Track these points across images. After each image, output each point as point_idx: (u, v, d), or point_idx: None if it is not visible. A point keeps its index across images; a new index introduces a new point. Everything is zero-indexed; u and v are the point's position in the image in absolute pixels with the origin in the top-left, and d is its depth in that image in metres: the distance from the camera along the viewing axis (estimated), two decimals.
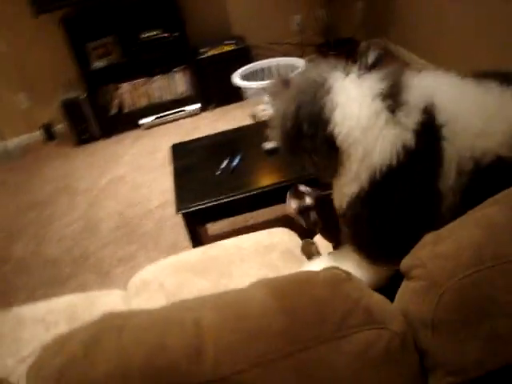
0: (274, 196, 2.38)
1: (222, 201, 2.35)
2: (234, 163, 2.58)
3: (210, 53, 4.42)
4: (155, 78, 4.45)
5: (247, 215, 3.08)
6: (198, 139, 2.97)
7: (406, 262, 1.03)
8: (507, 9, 3.21)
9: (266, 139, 2.67)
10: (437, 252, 0.97)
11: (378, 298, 0.91)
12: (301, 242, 2.03)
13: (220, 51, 4.43)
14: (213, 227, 3.09)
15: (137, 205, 3.50)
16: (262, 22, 4.75)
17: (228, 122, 4.29)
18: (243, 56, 4.42)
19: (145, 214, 3.38)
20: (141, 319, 0.91)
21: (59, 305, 1.98)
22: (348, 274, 0.92)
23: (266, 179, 2.45)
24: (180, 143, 2.95)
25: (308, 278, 0.92)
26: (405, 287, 1.00)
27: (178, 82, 4.49)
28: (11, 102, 4.72)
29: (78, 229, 3.42)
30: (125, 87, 4.44)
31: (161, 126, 4.51)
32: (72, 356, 0.86)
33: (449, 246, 0.96)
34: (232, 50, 4.42)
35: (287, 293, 0.90)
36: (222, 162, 2.61)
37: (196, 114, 4.54)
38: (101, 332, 0.90)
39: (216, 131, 3.54)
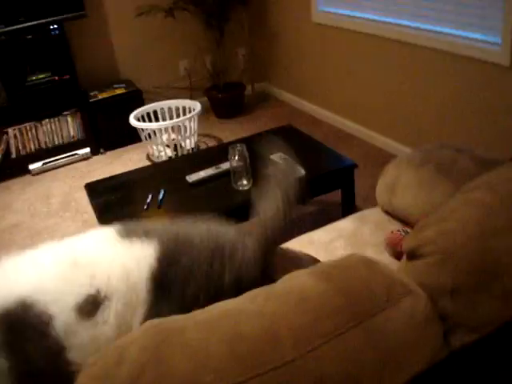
0: None
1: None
2: (160, 197, 2.58)
3: (101, 96, 4.37)
4: (44, 121, 4.29)
5: None
6: (113, 177, 2.92)
7: (410, 244, 1.12)
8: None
9: (189, 172, 2.71)
10: (443, 230, 1.08)
11: (399, 273, 1.01)
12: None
13: (111, 94, 4.39)
14: None
15: None
16: (149, 66, 4.80)
17: (123, 164, 4.25)
18: (135, 99, 4.43)
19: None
20: (199, 319, 0.91)
21: None
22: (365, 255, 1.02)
23: (195, 210, 2.47)
24: (94, 182, 2.88)
25: (343, 262, 0.98)
26: (414, 265, 1.10)
27: (69, 126, 4.37)
28: None
29: None
30: (12, 132, 4.23)
31: (52, 171, 4.33)
32: (141, 362, 0.84)
33: (453, 224, 1.08)
34: (123, 93, 4.41)
35: (333, 275, 0.95)
36: (147, 197, 2.59)
37: (88, 158, 4.43)
38: (159, 335, 0.88)
39: (112, 173, 3.49)
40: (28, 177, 4.30)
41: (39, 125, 4.29)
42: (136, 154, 4.38)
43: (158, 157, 4.14)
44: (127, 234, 1.32)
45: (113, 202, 2.62)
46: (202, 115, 4.80)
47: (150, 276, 1.26)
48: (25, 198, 4.01)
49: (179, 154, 4.08)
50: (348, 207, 2.79)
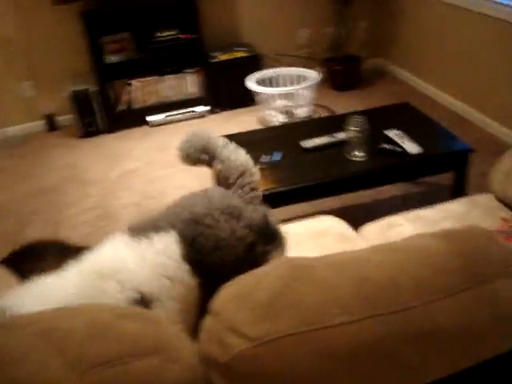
0: (320, 191, 2.51)
1: (266, 192, 2.44)
2: (275, 158, 2.68)
3: (222, 57, 4.52)
4: (166, 77, 4.51)
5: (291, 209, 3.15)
6: (230, 135, 3.05)
7: None
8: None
9: (303, 138, 2.80)
10: None
11: None
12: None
13: (232, 56, 4.53)
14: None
15: (153, 198, 3.55)
16: (270, 32, 4.89)
17: (236, 125, 4.39)
18: (253, 63, 4.54)
19: (161, 207, 3.41)
20: (328, 260, 1.00)
21: None
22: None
23: (309, 175, 2.55)
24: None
25: (465, 229, 1.03)
26: None
27: (189, 83, 4.56)
28: (14, 90, 4.69)
29: (93, 216, 3.44)
30: (135, 84, 4.49)
31: (168, 125, 4.56)
32: (276, 289, 0.94)
33: None
34: (244, 57, 4.53)
35: (455, 239, 1.01)
36: (262, 156, 2.70)
37: (203, 116, 4.61)
38: (293, 269, 0.98)
39: (224, 133, 3.62)
40: (146, 128, 4.55)
41: (162, 79, 4.51)
42: (249, 116, 4.50)
43: (270, 122, 4.25)
44: (141, 233, 1.38)
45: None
46: (318, 85, 4.84)
47: (183, 259, 1.32)
48: (143, 147, 4.26)
49: (291, 121, 4.16)
50: (458, 191, 2.78)
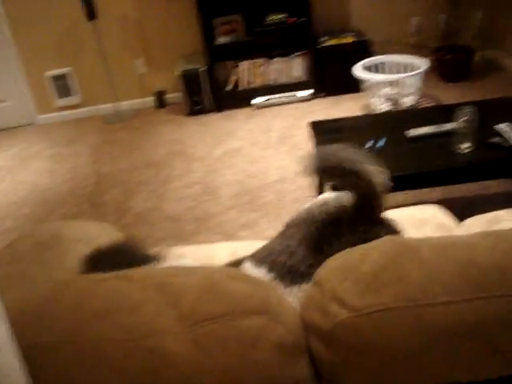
0: (423, 180, 2.49)
1: None
2: (379, 145, 2.68)
3: (330, 42, 4.52)
4: (274, 60, 4.57)
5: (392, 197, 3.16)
6: (336, 120, 3.08)
7: None
8: None
9: (409, 127, 2.77)
10: None
11: None
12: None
13: (340, 42, 4.52)
14: None
15: (255, 177, 3.64)
16: (381, 18, 4.82)
17: (341, 110, 4.39)
18: (362, 49, 4.51)
19: (264, 186, 3.50)
20: (433, 242, 1.01)
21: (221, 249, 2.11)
22: None
23: (413, 164, 2.53)
24: (319, 121, 3.06)
25: None
26: None
27: (295, 67, 4.60)
28: (129, 67, 4.94)
29: (197, 191, 3.58)
30: (244, 65, 4.59)
31: (272, 107, 4.63)
32: (381, 264, 0.97)
33: None
34: (352, 42, 4.51)
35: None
36: (366, 142, 2.71)
37: (308, 100, 4.65)
38: (398, 247, 1.01)
39: (329, 117, 3.66)
40: (250, 109, 4.65)
41: (269, 62, 4.58)
42: (354, 102, 4.49)
43: (374, 109, 4.21)
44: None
45: (333, 142, 2.77)
46: (426, 74, 4.74)
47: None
48: (247, 128, 4.36)
49: (396, 109, 4.11)
50: None
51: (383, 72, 4.43)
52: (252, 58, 4.58)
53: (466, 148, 2.56)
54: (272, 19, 4.44)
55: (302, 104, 4.62)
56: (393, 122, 2.93)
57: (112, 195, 3.70)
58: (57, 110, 5.14)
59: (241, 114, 4.61)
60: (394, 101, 4.17)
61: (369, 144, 2.69)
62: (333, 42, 4.54)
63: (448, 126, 2.71)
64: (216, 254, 2.03)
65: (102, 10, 4.64)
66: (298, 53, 4.56)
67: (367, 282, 0.95)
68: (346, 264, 1.00)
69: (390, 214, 2.18)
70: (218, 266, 1.18)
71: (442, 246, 0.98)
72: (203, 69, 4.54)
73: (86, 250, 1.79)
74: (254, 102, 4.63)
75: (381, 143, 2.70)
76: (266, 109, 4.64)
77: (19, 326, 1.00)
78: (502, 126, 2.69)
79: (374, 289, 0.93)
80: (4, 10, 4.70)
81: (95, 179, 3.97)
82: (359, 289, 0.95)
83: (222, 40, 4.52)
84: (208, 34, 4.48)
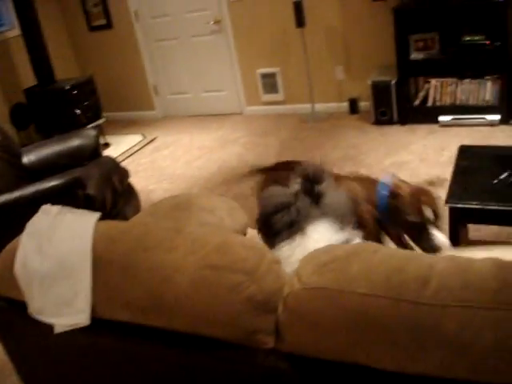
0: None
1: (491, 207, 2.50)
2: None
3: None
4: (465, 80, 4.58)
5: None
6: (487, 147, 3.12)
7: None
8: None
9: None
10: None
11: None
12: None
13: None
14: (475, 233, 3.21)
15: None
16: None
17: None
18: None
19: None
20: (391, 250, 1.22)
21: None
22: None
23: None
24: (469, 146, 3.12)
25: None
26: None
27: (487, 90, 4.56)
28: (329, 72, 5.32)
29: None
30: (434, 82, 4.67)
31: (456, 128, 4.65)
32: (336, 256, 1.22)
33: None
34: None
35: (507, 267, 1.11)
36: (503, 173, 2.73)
37: (494, 125, 4.57)
38: (361, 249, 1.24)
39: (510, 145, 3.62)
40: (435, 126, 4.72)
41: (460, 82, 4.60)
42: None
43: None
44: None
45: (473, 168, 2.84)
46: None
47: None
48: (423, 143, 4.46)
49: None
50: None
51: None
52: (443, 77, 4.64)
53: None
54: (468, 40, 4.45)
55: (487, 128, 4.56)
56: None
57: None
58: (262, 104, 5.74)
59: (423, 129, 4.71)
60: None
61: (504, 175, 2.71)
62: None
63: None
64: None
65: (310, 19, 5.07)
66: (491, 76, 4.50)
67: (319, 267, 1.20)
68: (318, 253, 1.26)
69: (491, 253, 2.25)
70: (238, 235, 1.51)
71: (389, 254, 1.19)
72: (393, 81, 4.73)
73: (207, 216, 2.25)
74: (440, 119, 4.70)
75: None
76: (450, 128, 4.66)
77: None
78: None
79: (321, 272, 1.19)
80: (229, 11, 5.40)
81: None
82: (312, 271, 1.21)
83: (415, 56, 4.66)
84: (403, 48, 4.65)
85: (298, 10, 4.92)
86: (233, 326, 1.26)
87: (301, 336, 1.20)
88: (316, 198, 1.87)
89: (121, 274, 1.40)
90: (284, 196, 1.90)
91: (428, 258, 1.20)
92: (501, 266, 1.11)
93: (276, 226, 1.86)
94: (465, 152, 3.03)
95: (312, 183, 1.91)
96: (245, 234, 2.27)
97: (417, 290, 1.09)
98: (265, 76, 5.59)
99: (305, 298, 1.18)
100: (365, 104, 5.24)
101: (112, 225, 1.56)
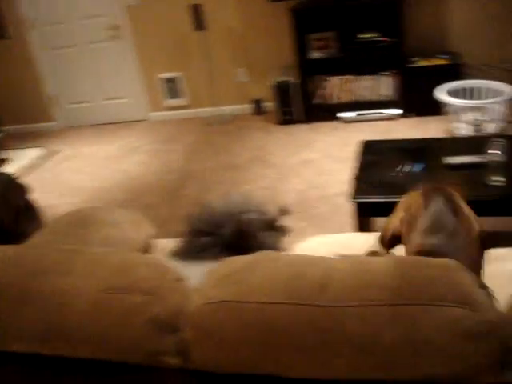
0: None
1: (395, 199, 2.56)
2: (414, 169, 2.77)
3: (421, 63, 4.56)
4: (364, 77, 4.70)
5: None
6: (388, 141, 3.20)
7: None
8: None
9: (451, 154, 2.82)
10: None
11: (483, 292, 1.10)
12: None
13: (431, 63, 4.54)
14: (381, 224, 3.29)
15: (316, 188, 3.82)
16: (481, 42, 4.76)
17: (423, 132, 4.42)
18: (452, 72, 4.49)
19: (322, 198, 3.68)
20: (290, 258, 1.20)
21: None
22: (462, 266, 1.12)
23: None
24: (371, 140, 3.20)
25: (428, 261, 1.13)
26: None
27: (384, 85, 4.70)
28: (232, 75, 5.32)
29: (263, 195, 3.84)
30: (334, 80, 4.77)
31: (358, 123, 4.77)
32: (236, 268, 1.19)
33: None
34: (443, 65, 4.52)
35: (405, 265, 1.12)
36: (403, 165, 2.81)
37: (393, 119, 4.72)
38: (261, 258, 1.21)
39: (409, 138, 3.74)
40: (336, 123, 4.82)
41: (359, 79, 4.72)
42: (438, 125, 4.49)
43: (456, 133, 4.21)
44: None
45: (375, 162, 2.91)
46: None
47: None
48: (327, 140, 4.54)
49: (480, 135, 4.08)
50: None
51: (474, 97, 4.40)
52: (342, 74, 4.74)
53: (498, 181, 2.58)
54: (364, 37, 4.57)
55: (387, 122, 4.70)
56: (438, 149, 2.98)
57: (190, 191, 4.07)
58: (166, 110, 5.65)
59: (326, 126, 4.80)
60: (477, 126, 4.14)
61: (404, 167, 2.79)
62: (424, 62, 4.57)
63: (485, 158, 2.73)
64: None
65: (210, 22, 5.04)
66: (388, 72, 4.65)
67: (219, 281, 1.17)
68: (219, 267, 1.23)
69: None
70: (140, 254, 1.46)
71: (291, 261, 1.17)
72: (295, 81, 4.78)
73: (110, 231, 2.16)
74: (341, 115, 4.79)
75: (417, 168, 2.78)
76: (352, 124, 4.78)
77: None
78: None
79: (220, 286, 1.15)
80: (128, 16, 5.28)
81: (180, 175, 4.37)
82: (213, 285, 1.17)
83: (314, 55, 4.73)
84: (302, 48, 4.71)
85: (197, 14, 4.87)
86: (138, 349, 1.20)
87: (207, 352, 1.15)
88: None
89: (14, 301, 1.30)
90: None
91: (328, 261, 1.19)
92: (399, 262, 1.12)
93: None
94: (367, 147, 3.11)
95: None
96: (149, 246, 2.21)
97: (317, 293, 1.08)
98: (167, 81, 5.50)
99: (207, 314, 1.13)
100: (269, 104, 5.27)
101: (3, 249, 1.46)
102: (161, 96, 5.59)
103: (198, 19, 4.89)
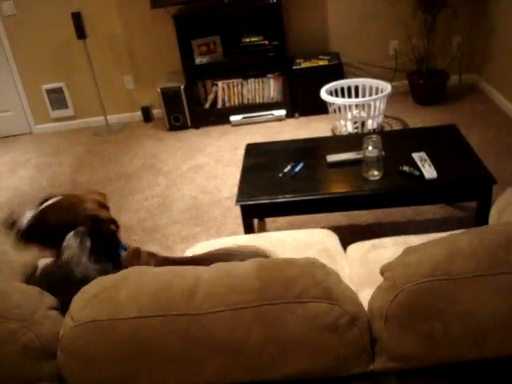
0: (328, 204, 2.65)
1: (277, 200, 2.63)
2: (297, 169, 2.85)
3: (304, 64, 4.70)
4: (250, 80, 4.77)
5: (310, 217, 3.33)
6: (272, 143, 3.26)
7: (384, 266, 1.26)
8: None
9: (332, 152, 2.93)
10: (404, 261, 1.20)
11: (344, 286, 1.16)
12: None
13: (314, 64, 4.69)
14: (272, 224, 3.36)
15: (208, 193, 3.84)
16: (359, 42, 4.97)
17: (310, 131, 4.55)
18: (335, 72, 4.66)
19: (214, 203, 3.70)
20: (157, 270, 1.21)
21: None
22: (323, 264, 1.17)
23: (323, 187, 2.69)
24: (255, 143, 3.25)
25: (290, 261, 1.17)
26: (378, 286, 1.24)
27: (270, 87, 4.80)
28: (119, 82, 5.23)
29: (154, 204, 3.80)
30: (221, 85, 4.81)
31: (248, 126, 4.83)
32: (104, 286, 1.17)
33: (414, 257, 1.19)
34: (325, 65, 4.67)
35: (267, 266, 1.16)
36: (286, 166, 2.88)
37: (282, 120, 4.83)
38: (128, 274, 1.20)
39: (296, 137, 3.84)
40: (227, 127, 4.86)
41: (245, 82, 4.79)
42: (324, 123, 4.65)
43: (340, 131, 4.36)
44: None
45: (259, 165, 2.96)
46: (400, 98, 4.88)
47: None
48: (217, 145, 4.57)
49: (362, 131, 4.25)
50: (481, 222, 2.76)
51: (354, 95, 4.58)
52: (229, 78, 4.79)
53: (374, 175, 2.71)
54: (247, 41, 4.64)
55: (275, 123, 4.80)
56: (320, 148, 3.08)
57: None
58: (52, 121, 5.46)
59: (216, 131, 4.83)
60: (359, 123, 4.31)
61: (287, 168, 2.87)
62: (307, 64, 4.71)
63: (361, 154, 2.85)
64: None
65: (92, 30, 4.93)
66: (273, 74, 4.75)
67: (88, 301, 1.15)
68: (88, 288, 1.21)
69: (279, 236, 2.37)
70: (15, 282, 1.41)
71: (156, 274, 1.17)
72: (182, 87, 4.78)
73: None
74: (231, 119, 4.84)
75: (299, 167, 2.86)
76: (242, 127, 4.84)
77: None
78: (417, 155, 2.83)
79: (90, 305, 1.13)
80: (3, 27, 5.04)
81: (70, 187, 4.24)
82: (82, 306, 1.15)
83: (200, 60, 4.75)
84: (187, 54, 4.71)
85: (78, 21, 4.74)
86: (13, 378, 1.15)
87: (80, 375, 1.13)
88: None
89: None
90: None
91: (194, 270, 1.20)
92: (261, 266, 1.15)
93: None
94: (252, 150, 3.16)
95: None
96: (36, 266, 2.13)
97: (185, 302, 1.09)
98: (51, 91, 5.31)
99: (77, 336, 1.11)
100: (158, 111, 5.23)
101: None
102: (45, 107, 5.40)
103: (80, 27, 4.76)
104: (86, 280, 1.30)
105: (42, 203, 1.67)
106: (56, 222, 1.61)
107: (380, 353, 1.14)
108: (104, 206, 1.74)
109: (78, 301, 1.18)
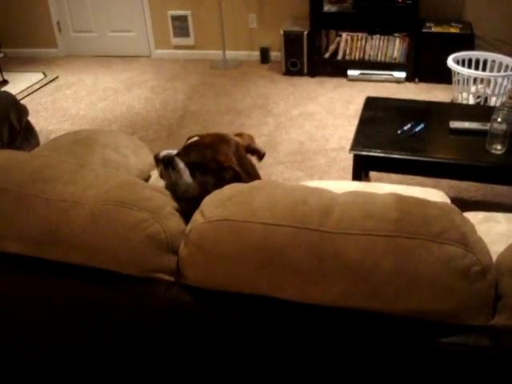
0: (445, 169, 2.57)
1: (392, 155, 2.58)
2: (417, 129, 2.77)
3: (435, 29, 4.51)
4: (375, 36, 4.65)
5: (417, 183, 3.26)
6: (393, 99, 3.19)
7: None
8: None
9: (454, 119, 2.82)
10: None
11: (478, 236, 1.12)
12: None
13: (445, 30, 4.49)
14: (376, 182, 3.31)
15: (316, 141, 3.82)
16: (496, 16, 4.70)
17: (428, 98, 4.39)
18: (466, 42, 4.45)
19: (320, 151, 3.68)
20: (294, 186, 1.21)
21: None
22: (460, 211, 1.14)
23: (442, 151, 2.60)
24: (375, 97, 3.18)
25: (430, 201, 1.15)
26: (510, 244, 1.20)
27: (395, 47, 4.65)
28: (242, 20, 5.23)
29: (261, 143, 3.82)
30: (345, 36, 4.71)
31: (364, 82, 4.73)
32: (239, 191, 1.19)
33: None
34: (456, 33, 4.47)
35: (407, 201, 1.14)
36: (406, 124, 2.81)
37: (400, 82, 4.69)
38: (262, 184, 1.22)
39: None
40: (343, 80, 4.78)
41: (370, 38, 4.66)
42: (444, 93, 4.47)
43: (461, 103, 4.19)
44: None
45: (377, 118, 2.90)
46: None
47: None
48: (331, 96, 4.51)
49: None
50: None
51: (482, 69, 4.36)
52: (354, 31, 4.68)
53: (498, 149, 2.59)
54: None
55: (392, 85, 4.67)
56: (442, 113, 2.98)
57: (188, 130, 4.05)
58: (172, 48, 5.57)
59: (331, 82, 4.76)
60: (482, 98, 4.12)
61: (407, 126, 2.79)
62: (438, 29, 4.52)
63: (487, 126, 2.73)
64: None
65: None
66: (400, 34, 4.60)
67: (222, 201, 1.17)
68: (222, 190, 1.24)
69: (389, 188, 2.33)
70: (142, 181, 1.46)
71: (293, 189, 1.18)
72: (305, 33, 4.72)
73: (111, 153, 2.15)
74: (349, 73, 4.75)
75: (419, 128, 2.78)
76: (358, 82, 4.74)
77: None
78: None
79: (224, 206, 1.16)
80: None
81: (180, 114, 4.34)
82: (215, 205, 1.18)
83: (328, 8, 4.66)
84: (317, 0, 4.63)
85: None
86: (131, 263, 1.21)
87: (203, 269, 1.17)
88: None
89: (15, 204, 1.31)
90: None
91: (330, 192, 1.20)
92: (400, 199, 1.14)
93: None
94: (371, 103, 3.09)
95: None
96: (149, 175, 2.21)
97: (320, 219, 1.10)
98: (176, 19, 5.40)
99: (207, 232, 1.14)
100: (276, 54, 5.21)
101: (9, 154, 1.46)
102: (168, 33, 5.51)
103: None
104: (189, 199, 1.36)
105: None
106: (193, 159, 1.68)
107: (503, 309, 1.11)
108: (249, 150, 1.82)
109: (211, 201, 1.21)
